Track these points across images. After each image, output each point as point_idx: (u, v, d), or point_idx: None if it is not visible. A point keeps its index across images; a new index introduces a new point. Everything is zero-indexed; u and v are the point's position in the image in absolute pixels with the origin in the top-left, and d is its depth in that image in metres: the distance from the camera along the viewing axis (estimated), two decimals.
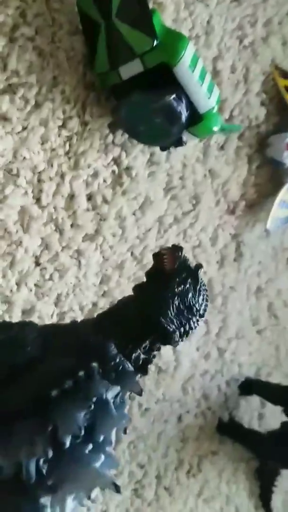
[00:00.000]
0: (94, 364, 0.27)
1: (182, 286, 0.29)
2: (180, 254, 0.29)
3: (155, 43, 0.52)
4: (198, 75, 0.55)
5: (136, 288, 0.32)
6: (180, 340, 0.30)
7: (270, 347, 0.95)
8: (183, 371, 0.80)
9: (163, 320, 0.29)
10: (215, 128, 0.60)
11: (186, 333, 0.30)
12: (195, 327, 0.30)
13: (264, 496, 0.95)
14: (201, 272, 0.31)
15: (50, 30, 0.53)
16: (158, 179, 0.68)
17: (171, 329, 0.29)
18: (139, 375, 0.30)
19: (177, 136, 0.59)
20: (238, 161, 0.79)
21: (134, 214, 0.67)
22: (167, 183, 0.70)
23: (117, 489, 0.30)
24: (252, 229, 0.84)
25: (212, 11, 0.69)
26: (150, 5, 0.59)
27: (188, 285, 0.29)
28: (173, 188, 0.71)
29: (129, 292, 0.34)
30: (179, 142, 0.61)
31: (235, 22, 0.73)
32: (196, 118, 0.58)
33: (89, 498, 0.28)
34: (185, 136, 0.61)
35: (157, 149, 0.66)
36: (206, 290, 0.31)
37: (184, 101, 0.56)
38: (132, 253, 0.69)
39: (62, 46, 0.55)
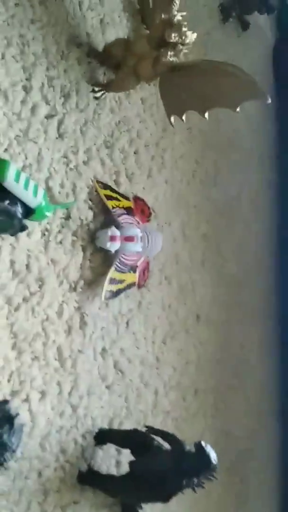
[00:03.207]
0: None
1: None
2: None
3: None
4: (23, 184, 0.76)
5: None
6: None
7: (119, 399, 1.07)
8: (40, 429, 0.87)
9: None
10: (48, 214, 0.83)
11: None
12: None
13: None
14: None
15: None
16: (5, 266, 0.81)
17: None
18: None
19: (20, 225, 0.78)
20: (74, 251, 0.96)
21: None
22: (14, 270, 0.83)
23: None
24: (93, 302, 1.00)
25: (41, 145, 0.89)
26: None
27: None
28: (19, 273, 0.84)
29: None
30: (22, 228, 0.79)
31: (61, 152, 0.94)
32: (31, 211, 0.80)
33: None
34: (27, 224, 0.79)
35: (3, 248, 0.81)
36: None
37: (18, 203, 0.77)
38: None
39: None
